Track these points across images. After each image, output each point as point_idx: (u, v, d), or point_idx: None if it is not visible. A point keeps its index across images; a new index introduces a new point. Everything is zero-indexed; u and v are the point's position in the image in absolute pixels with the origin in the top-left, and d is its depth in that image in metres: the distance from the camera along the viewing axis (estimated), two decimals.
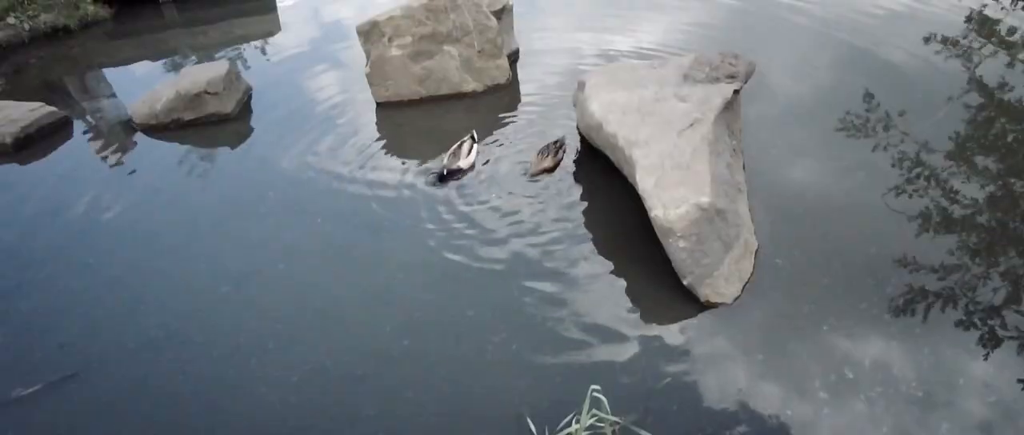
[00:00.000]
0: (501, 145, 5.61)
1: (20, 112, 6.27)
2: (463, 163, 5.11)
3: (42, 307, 4.16)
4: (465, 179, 5.12)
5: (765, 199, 4.65)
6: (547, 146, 5.27)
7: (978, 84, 6.27)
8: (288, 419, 3.33)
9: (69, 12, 9.43)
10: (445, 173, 5.02)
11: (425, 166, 5.29)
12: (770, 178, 4.90)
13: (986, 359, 3.41)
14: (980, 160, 5.05)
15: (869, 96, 6.04)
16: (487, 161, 5.36)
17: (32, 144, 6.18)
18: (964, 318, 3.66)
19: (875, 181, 4.83)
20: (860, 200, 4.62)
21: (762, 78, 6.23)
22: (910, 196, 4.67)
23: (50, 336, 3.91)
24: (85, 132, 6.46)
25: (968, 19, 7.94)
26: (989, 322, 3.63)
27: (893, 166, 5.02)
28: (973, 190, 4.70)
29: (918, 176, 4.89)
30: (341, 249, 4.47)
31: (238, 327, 3.88)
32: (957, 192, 4.68)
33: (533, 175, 5.12)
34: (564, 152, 5.29)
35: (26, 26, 9.04)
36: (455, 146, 5.26)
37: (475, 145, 5.33)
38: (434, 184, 4.97)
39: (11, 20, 9.03)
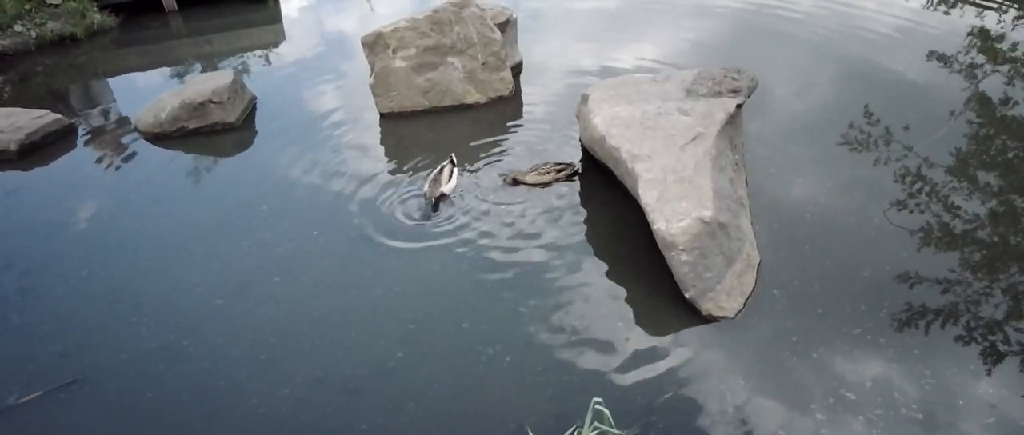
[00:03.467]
0: (502, 158, 5.62)
1: (25, 119, 6.30)
2: (446, 189, 4.98)
3: (43, 315, 4.16)
4: (465, 191, 5.13)
5: (767, 213, 4.65)
6: (546, 163, 5.25)
7: (981, 100, 6.29)
8: (280, 432, 3.31)
9: (76, 21, 9.50)
10: (435, 202, 4.87)
11: (416, 177, 5.29)
12: (772, 192, 4.91)
13: (989, 378, 3.39)
14: (982, 176, 5.05)
15: (871, 112, 6.05)
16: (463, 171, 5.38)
17: (37, 151, 6.21)
18: (966, 335, 3.65)
19: (877, 197, 4.83)
20: (862, 216, 4.62)
21: (765, 93, 6.25)
22: (912, 212, 4.67)
23: (50, 344, 3.91)
24: (89, 140, 6.49)
25: (970, 35, 7.98)
26: (991, 339, 3.61)
27: (895, 181, 5.02)
28: (975, 206, 4.70)
29: (920, 192, 4.89)
30: (337, 261, 4.45)
31: (231, 339, 3.87)
32: (959, 208, 4.68)
33: (512, 180, 5.14)
34: (560, 177, 5.16)
35: (33, 34, 9.10)
36: (436, 172, 5.09)
37: (454, 168, 5.18)
38: (428, 216, 4.83)
39: (18, 28, 9.10)
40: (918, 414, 3.21)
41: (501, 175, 5.30)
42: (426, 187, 5.00)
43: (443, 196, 4.96)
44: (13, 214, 5.28)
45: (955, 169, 5.15)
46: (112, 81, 8.16)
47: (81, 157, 6.18)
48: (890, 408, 3.24)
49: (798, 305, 3.87)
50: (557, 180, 5.15)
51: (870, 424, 3.17)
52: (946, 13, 8.93)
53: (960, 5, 9.19)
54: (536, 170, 5.20)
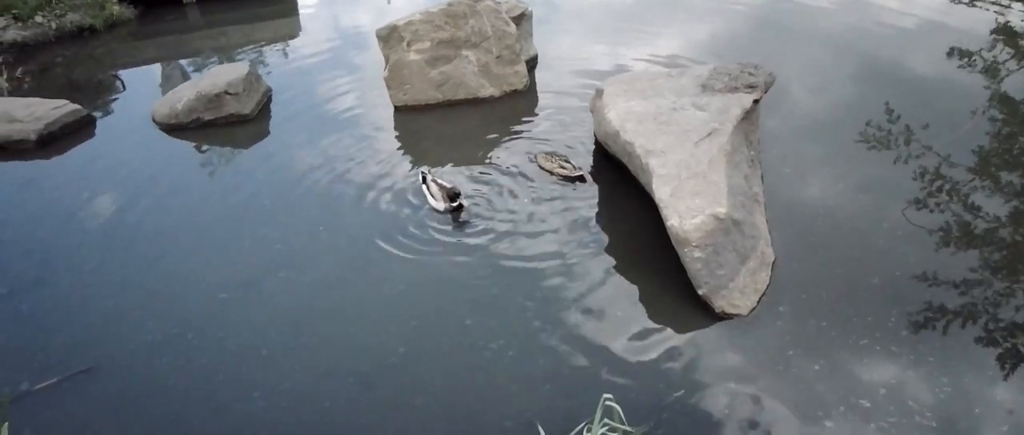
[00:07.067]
0: (514, 153, 5.59)
1: (44, 109, 6.37)
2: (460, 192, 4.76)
3: (56, 304, 4.20)
4: (473, 186, 5.11)
5: (783, 211, 4.59)
6: (560, 156, 5.24)
7: (1003, 99, 6.17)
8: (279, 425, 3.31)
9: (95, 12, 9.59)
10: (453, 210, 4.70)
11: (424, 170, 5.28)
12: (788, 190, 4.85)
13: (1006, 384, 3.32)
14: (1005, 176, 4.95)
15: (890, 109, 5.96)
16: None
17: (55, 141, 6.27)
18: (984, 338, 3.58)
19: (896, 196, 4.75)
20: (880, 215, 4.55)
21: (782, 89, 6.17)
22: (931, 211, 4.59)
23: (61, 333, 3.95)
24: (107, 131, 6.54)
25: (994, 32, 7.83)
26: (1009, 344, 3.54)
27: (915, 180, 4.94)
28: (997, 206, 4.61)
29: (940, 191, 4.81)
30: (343, 258, 4.44)
31: (234, 333, 3.87)
32: (980, 209, 4.60)
33: (541, 167, 5.21)
34: (563, 175, 5.09)
35: (53, 25, 9.20)
36: (437, 190, 4.82)
37: (433, 178, 4.95)
38: (455, 224, 4.69)
39: (38, 19, 9.19)
40: (932, 422, 3.14)
41: (531, 155, 5.39)
42: (435, 204, 4.78)
43: (456, 200, 4.73)
44: (31, 203, 5.34)
45: (977, 168, 5.05)
46: (130, 72, 8.23)
47: (98, 148, 6.24)
48: (904, 415, 3.18)
49: (812, 306, 3.81)
50: (560, 177, 5.11)
51: (883, 432, 3.10)
52: (969, 9, 8.77)
53: (981, 2, 9.03)
54: (549, 157, 5.24)
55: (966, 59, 7.04)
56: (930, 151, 5.28)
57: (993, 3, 8.91)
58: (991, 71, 6.76)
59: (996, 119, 5.78)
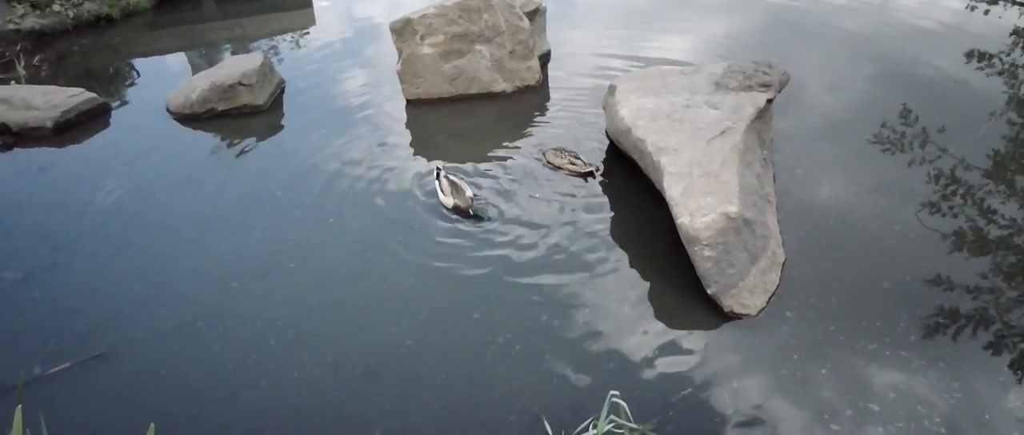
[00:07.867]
0: (526, 148, 5.59)
1: (61, 97, 6.43)
2: (469, 193, 4.72)
3: (69, 290, 4.25)
4: (484, 181, 5.12)
5: (794, 211, 4.57)
6: (569, 152, 5.23)
7: (1021, 101, 6.09)
8: (286, 414, 3.34)
9: (112, 2, 9.67)
10: (472, 210, 4.65)
11: (435, 165, 5.28)
12: (800, 190, 4.82)
13: (1018, 390, 3.29)
14: (1021, 180, 4.90)
15: (906, 111, 5.90)
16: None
17: (71, 128, 6.34)
18: (996, 343, 3.55)
19: (909, 198, 4.71)
20: (893, 218, 4.52)
21: (796, 89, 6.13)
22: (945, 214, 4.55)
23: (75, 318, 4.00)
24: (122, 119, 6.60)
25: (1013, 34, 7.73)
26: (1021, 349, 3.51)
27: (928, 183, 4.89)
28: (1012, 210, 4.56)
29: (954, 194, 4.76)
30: (352, 250, 4.45)
31: (243, 323, 3.90)
32: (995, 213, 4.55)
33: (551, 163, 5.23)
34: (573, 171, 5.09)
35: (70, 14, 9.29)
36: (447, 185, 4.78)
37: (446, 176, 4.90)
38: (480, 220, 4.65)
39: (57, 7, 9.28)
40: (942, 427, 3.12)
41: (541, 150, 5.41)
42: (444, 199, 4.76)
43: (470, 207, 4.66)
44: (47, 190, 5.40)
45: (993, 172, 5.00)
46: (145, 62, 8.29)
47: (113, 136, 6.30)
48: (912, 420, 3.15)
49: (822, 307, 3.79)
50: (570, 173, 5.11)
51: None
52: (987, 10, 8.66)
53: (1002, 3, 8.91)
54: (558, 153, 5.24)
55: (984, 61, 6.96)
56: (945, 154, 5.23)
57: (1013, 4, 8.80)
58: (1009, 74, 6.68)
59: (1014, 122, 5.71)
